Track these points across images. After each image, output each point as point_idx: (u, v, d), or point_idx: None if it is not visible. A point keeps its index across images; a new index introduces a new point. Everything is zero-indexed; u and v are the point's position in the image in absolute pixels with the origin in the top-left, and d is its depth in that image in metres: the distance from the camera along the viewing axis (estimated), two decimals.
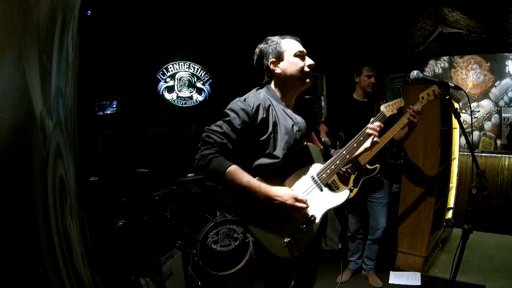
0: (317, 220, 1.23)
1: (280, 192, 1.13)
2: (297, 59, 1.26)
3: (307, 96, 4.06)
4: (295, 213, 1.15)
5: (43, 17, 0.91)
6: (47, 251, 0.87)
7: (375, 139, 1.34)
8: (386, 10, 3.71)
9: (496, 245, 3.13)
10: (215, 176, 1.10)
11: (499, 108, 3.99)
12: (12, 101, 0.76)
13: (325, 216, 1.29)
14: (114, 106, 2.88)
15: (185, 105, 4.11)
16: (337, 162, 1.29)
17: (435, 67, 4.41)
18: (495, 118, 4.03)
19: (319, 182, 1.27)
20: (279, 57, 1.26)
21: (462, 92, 1.88)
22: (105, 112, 2.92)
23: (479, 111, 4.11)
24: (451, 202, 3.70)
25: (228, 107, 1.21)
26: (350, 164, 1.70)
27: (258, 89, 1.31)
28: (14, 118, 0.77)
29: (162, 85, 3.92)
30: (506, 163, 3.45)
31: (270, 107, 1.22)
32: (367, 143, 1.37)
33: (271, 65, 1.27)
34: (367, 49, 4.31)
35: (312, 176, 1.27)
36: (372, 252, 2.54)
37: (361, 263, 2.64)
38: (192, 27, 3.78)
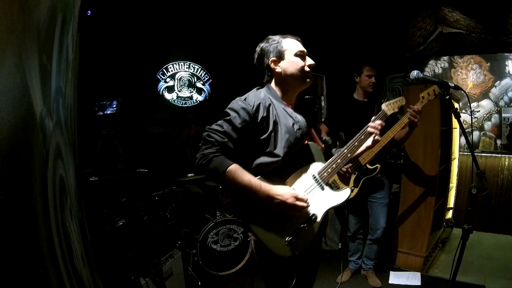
0: (318, 219, 1.23)
1: (281, 191, 1.13)
2: (298, 59, 1.27)
3: (307, 96, 4.06)
4: (295, 212, 1.15)
5: (43, 17, 0.91)
6: (47, 251, 0.87)
7: (377, 137, 1.34)
8: (386, 10, 3.71)
9: (496, 245, 3.13)
10: (215, 175, 1.10)
11: (499, 108, 3.99)
12: (12, 101, 0.76)
13: (326, 215, 1.29)
14: (114, 106, 2.88)
15: (185, 105, 4.11)
16: (338, 161, 1.29)
17: (435, 67, 4.41)
18: (495, 118, 4.03)
19: (320, 181, 1.27)
20: (280, 56, 1.27)
21: (462, 92, 1.88)
22: (105, 112, 2.92)
23: (479, 111, 4.11)
24: (451, 202, 3.70)
25: (229, 106, 1.21)
26: (351, 164, 1.70)
27: (258, 89, 1.31)
28: (14, 118, 0.77)
29: (162, 85, 3.92)
30: (506, 163, 3.45)
31: (271, 106, 1.22)
32: (369, 142, 1.37)
33: (272, 64, 1.28)
34: (367, 49, 4.31)
35: (313, 175, 1.27)
36: (371, 252, 2.54)
37: (361, 263, 2.64)
38: (192, 27, 3.78)
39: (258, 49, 1.32)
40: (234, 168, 1.10)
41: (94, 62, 2.97)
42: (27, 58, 0.83)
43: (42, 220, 0.87)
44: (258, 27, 3.35)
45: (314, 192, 1.25)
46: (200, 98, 4.23)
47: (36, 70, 0.87)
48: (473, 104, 4.11)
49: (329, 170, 1.28)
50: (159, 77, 3.90)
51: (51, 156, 0.96)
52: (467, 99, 4.02)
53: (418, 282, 2.49)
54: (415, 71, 1.42)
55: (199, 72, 4.21)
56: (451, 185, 3.55)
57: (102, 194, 2.28)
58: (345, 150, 1.32)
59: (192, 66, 4.14)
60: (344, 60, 4.38)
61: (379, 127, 1.34)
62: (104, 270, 1.66)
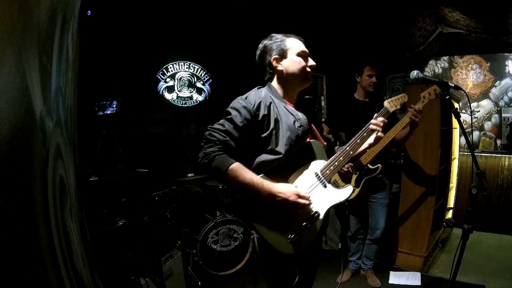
0: (321, 217, 1.24)
1: (283, 189, 1.14)
2: (300, 59, 1.28)
3: (307, 96, 4.06)
4: (298, 209, 1.16)
5: (43, 17, 0.91)
6: (47, 251, 0.87)
7: (379, 134, 1.33)
8: (386, 10, 3.70)
9: (496, 245, 3.13)
10: (218, 174, 1.11)
11: (499, 108, 3.99)
12: (12, 101, 0.76)
13: (328, 213, 1.29)
14: (114, 106, 2.89)
15: (185, 105, 4.11)
16: (341, 158, 1.30)
17: (435, 67, 4.41)
18: (495, 118, 4.03)
19: (322, 178, 1.27)
20: (283, 55, 1.28)
21: (462, 92, 1.88)
22: (105, 112, 2.92)
23: (479, 111, 4.11)
24: (451, 202, 3.70)
25: (230, 105, 1.22)
26: (352, 164, 1.70)
27: (259, 88, 1.32)
28: (14, 118, 0.77)
29: (162, 85, 3.92)
30: (506, 163, 3.45)
31: (272, 104, 1.23)
32: (371, 139, 1.37)
33: (274, 61, 1.29)
34: (367, 49, 4.31)
35: (315, 173, 1.28)
36: (371, 252, 2.54)
37: (361, 263, 2.64)
38: (192, 27, 3.78)
39: (261, 45, 1.32)
40: (236, 166, 1.11)
41: (94, 62, 2.97)
42: (27, 58, 0.83)
43: (42, 220, 0.87)
44: (258, 27, 3.35)
45: (317, 190, 1.26)
46: (200, 98, 4.23)
47: (36, 70, 0.87)
48: (473, 104, 4.11)
49: (332, 168, 1.28)
50: (159, 77, 3.90)
51: (51, 156, 0.96)
52: (467, 99, 4.02)
53: (418, 282, 2.49)
54: (415, 71, 1.41)
55: (199, 72, 4.21)
56: (451, 185, 3.55)
57: (102, 194, 2.28)
58: (348, 148, 1.32)
59: (192, 66, 4.15)
60: (344, 60, 4.38)
61: (381, 124, 1.34)
62: (104, 270, 1.66)
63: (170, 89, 3.99)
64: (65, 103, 1.11)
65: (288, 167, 1.24)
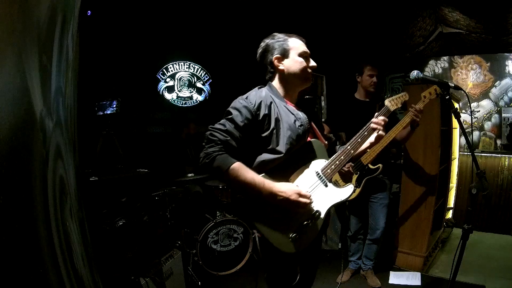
0: (322, 216, 1.24)
1: (284, 188, 1.14)
2: (302, 59, 1.29)
3: (307, 96, 4.05)
4: (299, 208, 1.16)
5: (43, 17, 0.91)
6: (47, 251, 0.87)
7: (380, 132, 1.33)
8: (386, 10, 3.70)
9: (496, 245, 3.13)
10: (219, 174, 1.12)
11: (499, 108, 3.99)
12: (12, 101, 0.76)
13: (328, 212, 1.29)
14: (114, 106, 2.89)
15: (185, 105, 4.11)
16: (342, 157, 1.30)
17: (435, 67, 4.41)
18: (495, 118, 4.03)
19: (323, 177, 1.28)
20: (284, 54, 1.29)
21: (462, 92, 1.88)
22: (105, 112, 2.93)
23: (479, 111, 4.11)
24: (451, 202, 3.70)
25: (231, 105, 1.23)
26: (352, 164, 1.70)
27: (260, 87, 1.32)
28: (14, 118, 0.77)
29: (162, 85, 3.92)
30: (506, 163, 3.45)
31: (272, 104, 1.23)
32: (372, 138, 1.37)
33: (276, 60, 1.29)
34: (367, 49, 4.31)
35: (316, 172, 1.28)
36: (371, 252, 2.54)
37: (361, 263, 2.64)
38: (192, 27, 3.78)
39: (263, 44, 1.33)
40: (237, 166, 1.11)
41: (94, 62, 2.97)
42: (27, 58, 0.83)
43: (42, 220, 0.87)
44: (258, 27, 3.35)
45: (318, 189, 1.26)
46: (200, 98, 4.23)
47: (36, 70, 0.87)
48: (473, 104, 4.11)
49: (333, 167, 1.29)
50: (159, 77, 3.90)
51: (51, 156, 0.96)
52: (467, 99, 4.02)
53: (418, 282, 2.49)
54: (415, 71, 1.42)
55: (199, 72, 4.21)
56: (451, 185, 3.55)
57: (102, 194, 2.28)
58: (349, 147, 1.32)
59: (192, 66, 4.15)
60: (344, 60, 4.38)
61: (382, 123, 1.34)
62: (104, 270, 1.66)
63: (170, 89, 3.99)
64: (65, 103, 1.11)
65: (289, 166, 1.24)
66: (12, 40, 0.77)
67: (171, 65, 3.97)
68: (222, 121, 1.20)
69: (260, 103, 1.20)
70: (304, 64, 1.29)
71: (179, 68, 4.04)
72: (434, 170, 2.64)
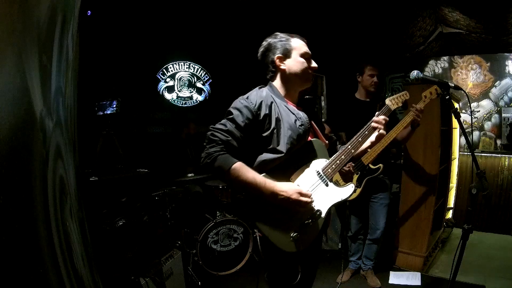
0: (323, 215, 1.25)
1: (285, 187, 1.15)
2: (303, 60, 1.29)
3: (307, 96, 4.06)
4: (300, 207, 1.17)
5: (43, 17, 0.91)
6: (47, 251, 0.87)
7: (381, 131, 1.33)
8: (386, 10, 3.70)
9: (496, 245, 3.13)
10: (220, 173, 1.13)
11: (499, 108, 3.99)
12: (12, 101, 0.76)
13: (329, 212, 1.30)
14: (114, 106, 2.89)
15: (185, 105, 4.11)
16: (343, 157, 1.30)
17: (435, 67, 4.41)
18: (495, 118, 4.03)
19: (324, 177, 1.28)
20: (286, 54, 1.29)
21: (462, 92, 1.89)
22: (105, 112, 2.92)
23: (479, 111, 4.11)
24: (451, 202, 3.70)
25: (232, 105, 1.23)
26: (353, 164, 1.70)
27: (260, 87, 1.33)
28: (14, 118, 0.77)
29: (162, 85, 3.92)
30: (506, 163, 3.45)
31: (273, 104, 1.24)
32: (372, 137, 1.37)
33: (277, 60, 1.29)
34: (367, 49, 4.31)
35: (317, 171, 1.28)
36: (371, 252, 2.54)
37: (361, 263, 2.64)
38: (192, 27, 3.78)
39: (265, 43, 1.33)
40: (239, 165, 1.12)
41: (94, 62, 2.97)
42: (27, 58, 0.83)
43: (42, 220, 0.87)
44: (258, 27, 3.35)
45: (319, 188, 1.26)
46: (200, 98, 4.23)
47: (36, 70, 0.87)
48: (473, 104, 4.11)
49: (333, 166, 1.29)
50: (159, 77, 3.90)
51: (51, 156, 0.96)
52: (467, 99, 4.02)
53: (418, 282, 2.49)
54: (415, 71, 1.42)
55: (199, 72, 4.21)
56: (451, 185, 3.55)
57: (102, 194, 2.28)
58: (349, 146, 1.32)
59: (192, 66, 4.14)
60: (344, 60, 4.38)
61: (383, 122, 1.34)
62: (104, 270, 1.66)
63: (170, 89, 3.99)
64: (65, 103, 1.11)
65: (289, 166, 1.25)
66: (12, 40, 0.77)
67: (171, 65, 3.97)
68: (223, 121, 1.20)
69: (260, 103, 1.21)
70: (306, 64, 1.29)
71: (179, 68, 4.04)
72: (434, 170, 2.64)
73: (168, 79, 3.96)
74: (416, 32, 4.06)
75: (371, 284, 2.47)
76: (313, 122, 1.38)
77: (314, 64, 1.32)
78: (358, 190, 2.28)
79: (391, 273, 2.64)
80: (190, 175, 3.02)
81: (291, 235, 1.18)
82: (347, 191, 1.29)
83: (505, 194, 3.40)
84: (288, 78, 1.31)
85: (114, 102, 2.89)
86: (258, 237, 1.27)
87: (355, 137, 1.34)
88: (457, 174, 3.72)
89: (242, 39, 3.79)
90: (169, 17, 3.51)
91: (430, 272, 2.69)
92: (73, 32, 1.15)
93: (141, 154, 3.35)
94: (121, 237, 2.10)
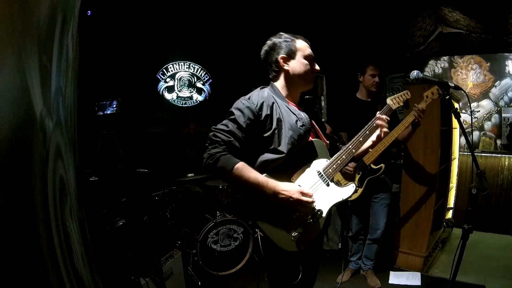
0: (324, 215, 1.25)
1: (286, 187, 1.16)
2: (307, 62, 1.30)
3: (307, 96, 4.05)
4: (301, 207, 1.18)
5: (43, 17, 0.90)
6: (47, 251, 0.87)
7: (385, 130, 1.33)
8: (386, 10, 3.70)
9: (496, 245, 3.13)
10: (223, 174, 1.14)
11: (499, 108, 3.99)
12: (12, 101, 0.76)
13: (330, 211, 1.30)
14: (114, 106, 2.89)
15: (185, 105, 4.11)
16: (343, 157, 1.31)
17: (435, 67, 4.41)
18: (495, 118, 4.03)
19: (325, 177, 1.29)
20: (291, 55, 1.30)
21: (462, 92, 1.89)
22: (105, 112, 2.92)
23: (479, 111, 4.11)
24: (451, 202, 3.70)
25: (233, 106, 1.24)
26: (355, 164, 1.70)
27: (262, 88, 1.33)
28: (14, 118, 0.77)
29: (162, 85, 3.92)
30: (506, 163, 3.45)
31: (274, 104, 1.24)
32: (373, 137, 1.38)
33: (281, 60, 1.30)
34: (367, 49, 4.31)
35: (318, 171, 1.29)
36: (371, 252, 2.54)
37: (361, 264, 2.64)
38: (192, 27, 3.78)
39: (269, 42, 1.33)
40: (241, 166, 1.13)
41: (94, 62, 2.97)
42: (27, 58, 0.83)
43: (42, 220, 0.87)
44: (258, 27, 3.35)
45: (320, 188, 1.27)
46: (200, 98, 4.23)
47: (36, 70, 0.87)
48: (473, 104, 4.11)
49: (334, 166, 1.30)
50: (159, 77, 3.90)
51: (51, 156, 0.96)
52: (467, 99, 4.02)
53: (418, 282, 2.49)
54: (415, 71, 1.42)
55: (199, 72, 4.21)
56: (451, 185, 3.55)
57: (102, 194, 2.28)
58: (350, 146, 1.33)
59: (192, 66, 4.14)
60: (344, 60, 4.38)
61: (386, 120, 1.35)
62: (104, 270, 1.66)
63: (170, 89, 3.99)
64: (65, 103, 1.11)
65: (290, 166, 1.25)
66: (12, 40, 0.77)
67: (171, 65, 3.97)
68: (225, 121, 1.21)
69: (262, 104, 1.21)
70: (309, 66, 1.30)
71: (179, 68, 4.04)
72: (434, 170, 2.64)
73: (168, 79, 3.96)
74: (416, 32, 4.06)
75: (371, 284, 2.47)
76: (314, 123, 1.39)
77: (317, 67, 1.33)
78: (360, 190, 2.28)
79: (391, 273, 2.64)
80: (190, 175, 3.02)
81: (292, 234, 1.19)
82: (348, 191, 1.30)
83: (505, 194, 3.40)
84: (291, 79, 1.31)
85: (114, 102, 2.89)
86: (259, 237, 1.28)
87: (356, 136, 1.34)
88: (457, 174, 3.72)
89: (242, 39, 3.79)
90: (169, 17, 3.51)
91: (430, 272, 2.69)
92: (73, 32, 1.15)
93: (141, 154, 3.35)
94: (121, 237, 2.10)
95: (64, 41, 1.07)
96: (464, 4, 3.43)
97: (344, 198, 1.29)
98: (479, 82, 4.11)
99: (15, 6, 0.78)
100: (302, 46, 1.31)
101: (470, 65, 4.17)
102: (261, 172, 1.17)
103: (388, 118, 1.36)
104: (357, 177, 2.28)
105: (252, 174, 1.14)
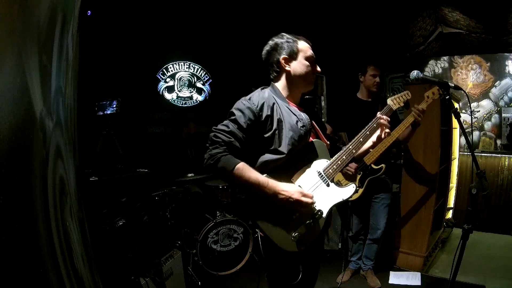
0: (324, 215, 1.26)
1: (287, 188, 1.16)
2: (308, 63, 1.30)
3: (307, 96, 4.05)
4: (301, 207, 1.18)
5: (43, 17, 0.90)
6: (47, 251, 0.87)
7: (386, 130, 1.33)
8: (386, 10, 3.70)
9: (496, 245, 3.13)
10: (224, 174, 1.14)
11: (499, 108, 3.99)
12: (12, 101, 0.76)
13: (330, 212, 1.30)
14: (114, 106, 2.89)
15: (185, 105, 4.11)
16: (344, 157, 1.31)
17: (435, 67, 4.41)
18: (495, 118, 4.03)
19: (325, 177, 1.29)
20: (292, 56, 1.30)
21: (462, 92, 1.88)
22: (105, 112, 2.92)
23: (479, 111, 4.11)
24: (451, 202, 3.70)
25: (234, 106, 1.24)
26: (357, 164, 1.71)
27: (263, 88, 1.33)
28: (14, 118, 0.77)
29: (162, 85, 3.92)
30: (506, 163, 3.45)
31: (275, 105, 1.24)
32: (374, 137, 1.38)
33: (283, 61, 1.30)
34: (367, 49, 4.31)
35: (318, 172, 1.29)
36: (371, 252, 2.54)
37: (361, 264, 2.64)
38: (192, 27, 3.78)
39: (271, 42, 1.33)
40: (241, 166, 1.13)
41: (94, 62, 2.97)
42: (27, 58, 0.83)
43: (42, 220, 0.87)
44: (258, 27, 3.35)
45: (320, 189, 1.27)
46: (200, 98, 4.23)
47: (36, 70, 0.87)
48: (473, 104, 4.11)
49: (335, 166, 1.30)
50: (159, 77, 3.90)
51: (51, 156, 0.96)
52: (467, 99, 4.02)
53: (418, 282, 2.49)
54: (415, 71, 1.42)
55: (199, 72, 4.21)
56: (451, 185, 3.55)
57: (102, 194, 2.28)
58: (350, 146, 1.33)
59: (192, 66, 4.14)
60: (344, 60, 4.38)
61: (388, 120, 1.35)
62: (104, 270, 1.66)
63: (170, 89, 3.99)
64: (65, 103, 1.11)
65: (291, 166, 1.26)
66: (12, 40, 0.77)
67: (171, 65, 3.97)
68: (225, 122, 1.21)
69: (262, 104, 1.22)
70: (310, 68, 1.31)
71: (179, 68, 4.04)
72: (434, 170, 2.64)
73: (168, 79, 3.96)
74: (416, 32, 4.06)
75: (371, 284, 2.47)
76: (314, 123, 1.39)
77: (318, 68, 1.33)
78: (360, 190, 2.28)
79: (391, 273, 2.64)
80: (190, 175, 3.02)
81: (293, 235, 1.19)
82: (348, 191, 1.30)
83: (505, 194, 3.40)
84: (292, 80, 1.31)
85: (114, 102, 2.89)
86: (259, 237, 1.28)
87: (356, 137, 1.34)
88: (457, 174, 3.72)
89: (242, 39, 3.79)
90: (169, 17, 3.51)
91: (430, 272, 2.69)
92: (73, 32, 1.15)
93: (141, 154, 3.35)
94: (121, 237, 2.10)
95: (64, 41, 1.07)
96: (464, 4, 3.43)
97: (344, 199, 1.29)
98: (479, 82, 4.11)
99: (15, 6, 0.78)
100: (304, 47, 1.31)
101: (470, 65, 4.17)
102: (262, 173, 1.18)
103: (389, 119, 1.36)
104: (358, 177, 2.28)
105: (253, 174, 1.14)
